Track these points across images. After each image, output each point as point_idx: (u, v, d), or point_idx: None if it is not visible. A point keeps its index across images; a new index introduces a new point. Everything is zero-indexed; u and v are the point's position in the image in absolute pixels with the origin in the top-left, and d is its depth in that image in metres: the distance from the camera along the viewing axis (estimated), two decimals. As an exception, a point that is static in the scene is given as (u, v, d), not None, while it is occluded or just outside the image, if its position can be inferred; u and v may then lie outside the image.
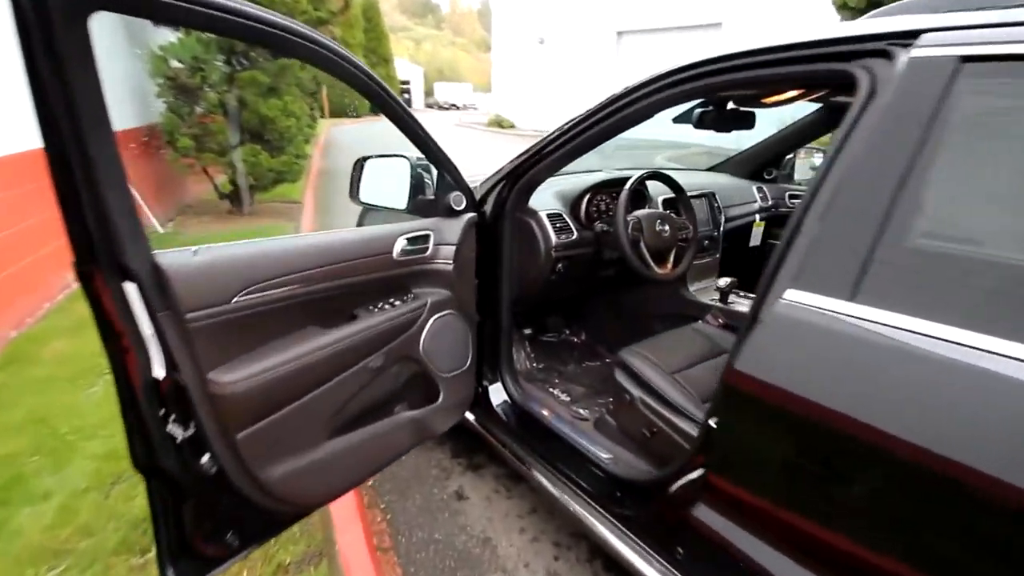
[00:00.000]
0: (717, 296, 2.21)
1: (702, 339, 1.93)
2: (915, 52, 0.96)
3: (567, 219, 2.06)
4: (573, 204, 2.13)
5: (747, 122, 2.15)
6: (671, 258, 2.06)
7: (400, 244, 1.54)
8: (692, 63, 1.34)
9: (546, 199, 2.09)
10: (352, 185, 1.81)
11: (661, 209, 2.19)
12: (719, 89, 1.32)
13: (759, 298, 1.05)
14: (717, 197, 2.48)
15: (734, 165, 2.88)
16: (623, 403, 1.82)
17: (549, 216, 2.02)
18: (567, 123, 1.64)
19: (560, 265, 2.03)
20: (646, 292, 2.40)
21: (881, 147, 0.96)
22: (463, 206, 1.70)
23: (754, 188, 2.74)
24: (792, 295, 1.01)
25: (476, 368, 1.91)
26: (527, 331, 2.57)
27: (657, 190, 2.26)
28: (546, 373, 2.44)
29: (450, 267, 1.67)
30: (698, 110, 2.08)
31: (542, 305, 2.59)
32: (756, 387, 1.04)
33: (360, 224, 2.13)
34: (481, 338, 1.94)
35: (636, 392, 1.76)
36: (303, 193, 8.09)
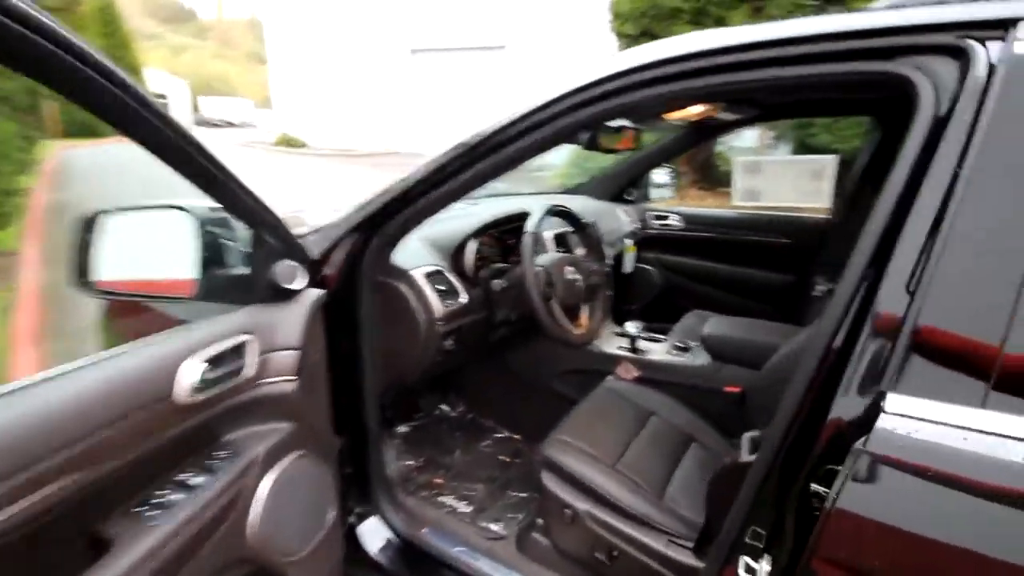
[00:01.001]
0: (625, 343, 1.89)
1: (624, 405, 1.57)
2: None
3: (450, 277, 1.52)
4: (454, 256, 1.60)
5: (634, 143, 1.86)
6: (584, 312, 1.67)
7: (191, 372, 0.83)
8: (651, 61, 0.93)
9: (415, 252, 1.52)
10: (76, 261, 0.99)
11: (556, 249, 1.78)
12: (693, 96, 0.95)
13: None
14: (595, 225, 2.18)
15: (593, 187, 2.65)
16: (562, 519, 1.34)
17: (427, 276, 1.44)
18: (454, 149, 1.11)
19: (449, 341, 1.48)
20: (538, 347, 1.97)
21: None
22: (299, 282, 1.04)
23: (619, 210, 2.53)
24: (901, 404, 0.65)
25: (342, 515, 1.26)
26: (401, 428, 1.93)
27: (545, 224, 1.85)
28: (428, 472, 1.84)
29: (291, 387, 1.00)
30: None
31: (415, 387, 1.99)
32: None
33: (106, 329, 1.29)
34: (342, 462, 1.29)
35: (581, 505, 1.30)
36: (20, 240, 5.94)
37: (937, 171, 0.69)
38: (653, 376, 1.77)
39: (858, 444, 0.65)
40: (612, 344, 1.91)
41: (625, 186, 2.60)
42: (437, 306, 1.41)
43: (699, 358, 1.76)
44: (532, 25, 15.00)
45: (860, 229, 2.09)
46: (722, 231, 2.49)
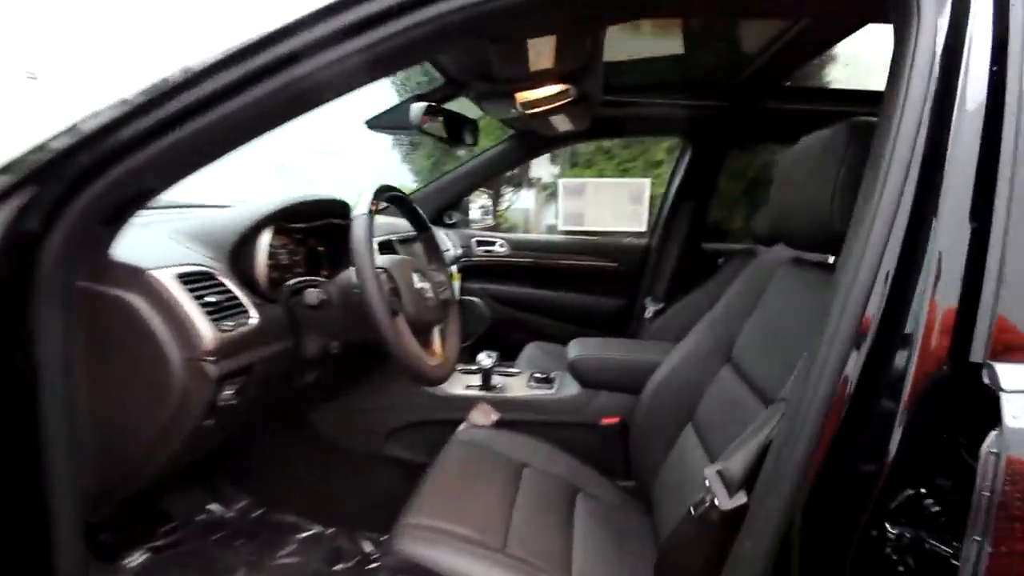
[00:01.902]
0: (474, 380, 1.50)
1: (490, 460, 1.20)
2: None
3: (229, 285, 0.94)
4: (234, 253, 1.02)
5: (472, 136, 1.57)
6: (436, 336, 1.22)
7: None
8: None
9: (158, 243, 0.91)
10: None
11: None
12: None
13: None
14: None
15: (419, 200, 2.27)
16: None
17: (183, 279, 0.84)
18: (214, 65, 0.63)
19: (228, 391, 0.89)
20: (362, 396, 1.45)
21: None
22: None
23: (441, 234, 2.20)
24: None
25: None
26: (134, 558, 1.16)
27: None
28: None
29: None
30: (417, 106, 1.37)
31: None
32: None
33: None
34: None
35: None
36: None
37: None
38: (515, 417, 1.42)
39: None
40: (458, 384, 1.51)
41: (443, 208, 2.28)
42: (206, 332, 0.82)
43: (566, 388, 1.48)
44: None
45: (679, 250, 2.02)
46: (550, 257, 2.35)
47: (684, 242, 2.16)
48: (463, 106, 1.60)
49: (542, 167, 7.77)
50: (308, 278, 1.05)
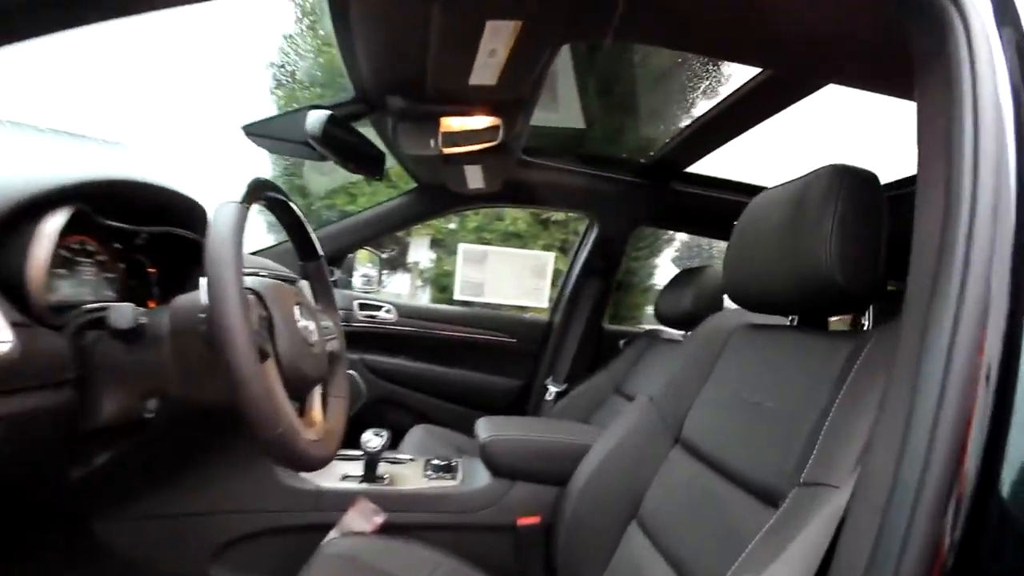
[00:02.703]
0: (354, 469, 1.13)
1: None
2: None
3: None
4: None
5: (378, 169, 1.35)
6: (316, 400, 0.85)
7: None
8: None
9: None
10: None
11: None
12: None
13: None
14: None
15: (278, 254, 1.89)
16: None
17: None
18: None
19: None
20: (173, 492, 0.99)
21: None
22: None
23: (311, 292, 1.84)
24: None
25: None
26: None
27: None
28: None
29: None
30: (317, 116, 1.13)
31: None
32: None
33: None
34: None
35: None
36: None
37: None
38: (407, 519, 1.07)
39: None
40: (330, 474, 1.12)
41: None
42: None
43: (474, 478, 1.17)
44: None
45: (582, 329, 1.89)
46: (443, 328, 2.09)
47: (588, 321, 2.05)
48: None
49: (421, 250, 7.66)
50: (120, 304, 0.68)
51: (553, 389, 1.97)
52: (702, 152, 1.62)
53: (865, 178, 0.73)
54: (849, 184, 0.72)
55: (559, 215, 6.83)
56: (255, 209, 0.75)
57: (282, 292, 0.75)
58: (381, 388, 2.02)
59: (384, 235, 2.01)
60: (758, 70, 1.17)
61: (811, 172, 0.81)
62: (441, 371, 2.07)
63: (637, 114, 1.78)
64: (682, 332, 1.77)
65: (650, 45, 0.89)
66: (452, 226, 8.23)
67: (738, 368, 0.93)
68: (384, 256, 2.06)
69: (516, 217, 7.37)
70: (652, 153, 1.77)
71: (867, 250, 0.72)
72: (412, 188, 1.89)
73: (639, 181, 1.79)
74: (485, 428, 1.23)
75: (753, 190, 1.87)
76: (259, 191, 0.74)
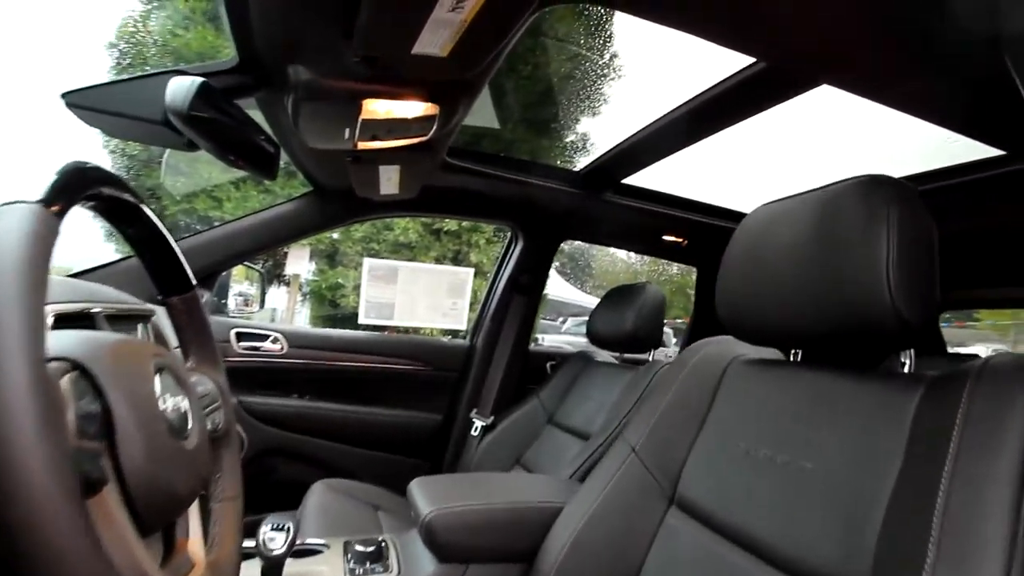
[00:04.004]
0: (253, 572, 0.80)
1: None
2: None
3: None
4: None
5: (269, 168, 1.05)
6: (190, 524, 0.53)
7: None
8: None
9: None
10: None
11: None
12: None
13: None
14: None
15: (114, 275, 1.43)
16: None
17: None
18: None
19: None
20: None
21: None
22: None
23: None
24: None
25: None
26: None
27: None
28: None
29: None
30: (182, 85, 0.82)
31: None
32: None
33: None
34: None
35: None
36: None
37: None
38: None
39: None
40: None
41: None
42: None
43: (415, 567, 0.90)
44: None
45: (509, 353, 1.68)
46: (344, 358, 1.76)
47: (514, 344, 1.85)
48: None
49: (300, 262, 6.96)
50: None
51: (479, 423, 1.74)
52: (642, 163, 1.51)
53: (912, 192, 0.62)
54: (897, 198, 0.61)
55: (452, 224, 6.60)
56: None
57: (127, 356, 0.44)
58: (267, 436, 1.64)
59: (269, 249, 1.64)
60: (694, 92, 1.08)
61: (837, 183, 0.68)
62: (344, 410, 1.74)
63: (552, 117, 1.63)
64: (616, 355, 1.65)
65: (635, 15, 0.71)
66: (335, 235, 7.62)
67: (745, 413, 0.78)
68: (262, 271, 1.68)
69: (407, 226, 7.00)
70: (589, 162, 1.63)
71: (926, 277, 0.60)
72: (307, 192, 1.56)
73: (571, 190, 1.64)
74: (423, 497, 0.96)
75: (691, 205, 1.85)
76: (80, 186, 0.43)
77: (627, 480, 0.88)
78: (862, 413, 0.62)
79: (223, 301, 1.75)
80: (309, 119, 0.95)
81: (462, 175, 1.55)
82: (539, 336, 7.27)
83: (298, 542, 0.97)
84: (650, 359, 1.47)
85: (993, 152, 1.07)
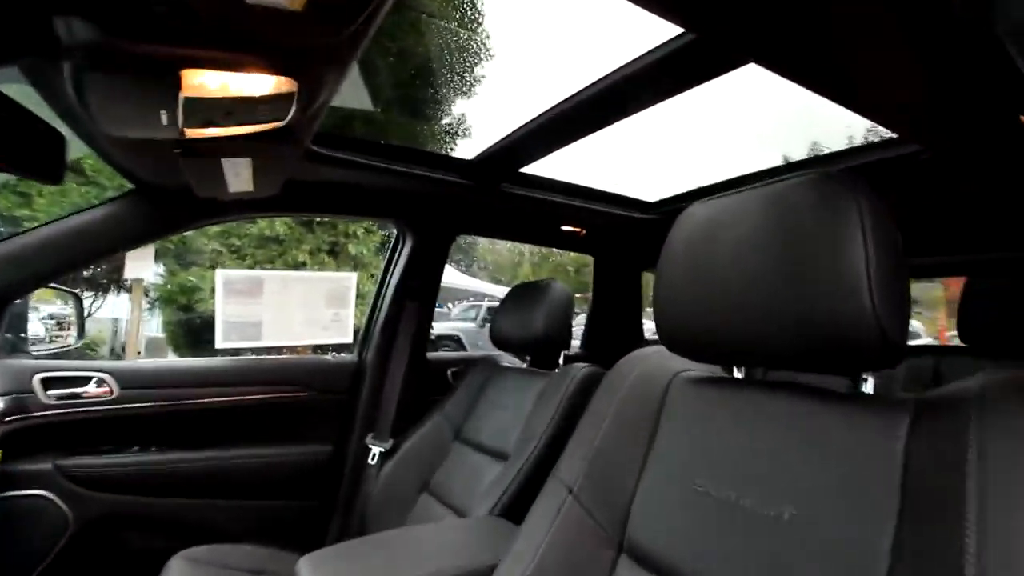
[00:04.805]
0: None
1: None
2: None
3: None
4: None
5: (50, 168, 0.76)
6: None
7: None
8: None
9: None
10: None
11: None
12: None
13: None
14: None
15: None
16: None
17: None
18: None
19: None
20: None
21: None
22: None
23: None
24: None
25: None
26: None
27: None
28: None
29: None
30: None
31: None
32: None
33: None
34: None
35: None
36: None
37: None
38: None
39: None
40: None
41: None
42: None
43: None
44: None
45: (405, 365, 1.49)
46: (198, 392, 1.43)
47: (410, 356, 1.65)
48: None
49: (143, 263, 5.97)
50: None
51: (376, 450, 1.52)
52: (541, 151, 1.38)
53: (872, 190, 0.55)
54: (865, 196, 0.53)
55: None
56: None
57: None
58: (102, 504, 1.29)
59: (82, 267, 1.26)
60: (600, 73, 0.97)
61: (791, 178, 0.60)
62: (204, 457, 1.42)
63: (428, 98, 1.45)
64: (524, 359, 1.52)
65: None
66: (187, 232, 6.66)
67: (696, 443, 0.68)
68: (78, 292, 1.28)
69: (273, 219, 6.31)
70: (482, 151, 1.46)
71: (902, 285, 0.53)
72: (128, 191, 1.20)
73: (463, 182, 1.47)
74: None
75: (589, 193, 1.77)
76: None
77: (567, 528, 0.75)
78: (843, 446, 0.54)
79: (21, 335, 1.33)
80: (101, 97, 0.67)
81: (334, 167, 1.30)
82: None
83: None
84: (560, 362, 1.37)
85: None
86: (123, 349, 6.69)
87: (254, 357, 1.67)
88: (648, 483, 0.71)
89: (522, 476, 1.11)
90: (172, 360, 1.37)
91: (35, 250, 1.14)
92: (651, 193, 1.79)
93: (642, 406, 0.76)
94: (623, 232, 1.91)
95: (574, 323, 1.53)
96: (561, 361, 1.41)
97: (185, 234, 6.47)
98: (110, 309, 7.05)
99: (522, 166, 1.44)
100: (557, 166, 1.57)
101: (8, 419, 1.15)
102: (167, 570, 1.13)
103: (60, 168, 0.73)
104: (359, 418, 1.59)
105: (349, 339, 1.75)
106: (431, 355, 1.80)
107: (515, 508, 1.08)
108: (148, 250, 5.91)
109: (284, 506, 1.50)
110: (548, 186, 1.59)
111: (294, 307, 1.58)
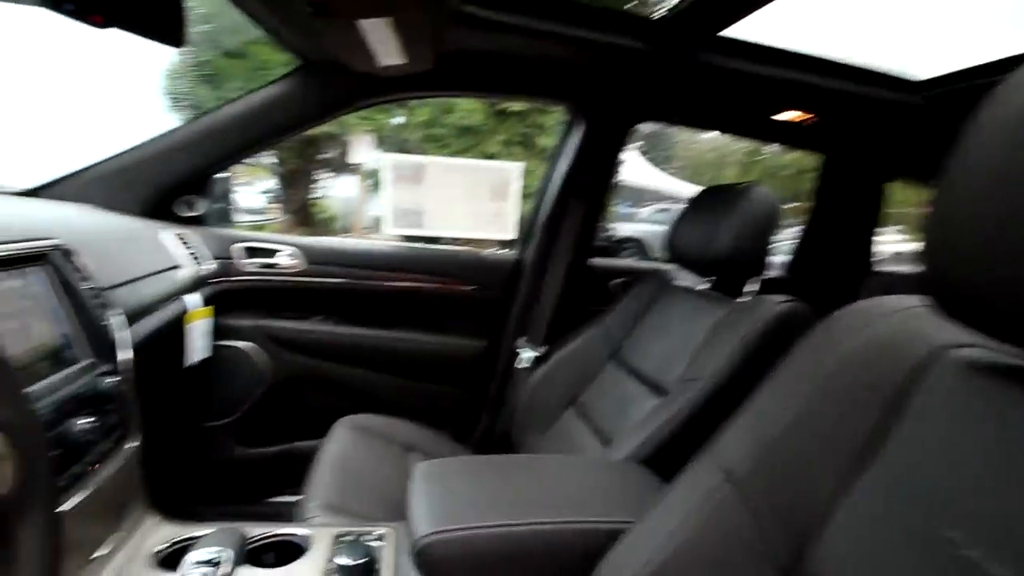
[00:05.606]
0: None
1: None
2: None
3: None
4: None
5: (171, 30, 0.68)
6: None
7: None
8: None
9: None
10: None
11: None
12: None
13: None
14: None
15: (85, 186, 1.21)
16: None
17: None
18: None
19: None
20: None
21: None
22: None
23: (166, 236, 1.20)
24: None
25: None
26: None
27: None
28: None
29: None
30: None
31: None
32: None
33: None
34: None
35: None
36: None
37: None
38: None
39: None
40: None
41: (172, 189, 1.28)
42: None
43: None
44: None
45: (564, 269, 1.31)
46: (370, 275, 1.50)
47: (571, 258, 1.49)
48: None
49: (364, 150, 6.70)
50: None
51: (527, 354, 1.46)
52: (754, 3, 0.98)
53: None
54: None
55: (517, 103, 5.93)
56: None
57: None
58: (292, 364, 1.48)
59: (265, 145, 1.33)
60: None
61: None
62: (375, 335, 1.52)
63: None
64: (707, 280, 1.24)
65: None
66: (400, 120, 7.20)
67: (966, 473, 0.40)
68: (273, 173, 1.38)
69: (473, 107, 6.40)
70: (670, 6, 1.10)
71: None
72: (294, 69, 1.19)
73: (647, 49, 1.15)
74: (423, 509, 0.70)
75: (823, 66, 1.30)
76: None
77: (719, 524, 0.55)
78: None
79: (226, 207, 1.51)
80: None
81: (488, 31, 1.10)
82: (611, 227, 6.75)
83: (280, 532, 0.77)
84: (750, 292, 1.08)
85: None
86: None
87: (422, 246, 1.69)
88: (858, 507, 0.46)
89: (676, 423, 0.91)
90: (354, 240, 1.47)
91: (223, 128, 1.22)
92: (916, 68, 1.23)
93: (871, 388, 0.48)
94: (873, 121, 1.39)
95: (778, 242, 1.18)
96: (752, 288, 1.11)
97: (399, 123, 7.04)
98: (342, 188, 8.24)
99: (723, 27, 1.05)
100: (774, 28, 1.13)
101: (216, 280, 1.34)
102: (333, 432, 1.24)
103: (180, 31, 0.68)
104: (513, 318, 1.53)
105: (510, 235, 1.65)
106: (597, 261, 1.62)
107: (663, 457, 0.91)
108: (366, 138, 6.60)
109: (439, 391, 1.56)
110: (762, 55, 1.17)
111: (456, 198, 1.51)
